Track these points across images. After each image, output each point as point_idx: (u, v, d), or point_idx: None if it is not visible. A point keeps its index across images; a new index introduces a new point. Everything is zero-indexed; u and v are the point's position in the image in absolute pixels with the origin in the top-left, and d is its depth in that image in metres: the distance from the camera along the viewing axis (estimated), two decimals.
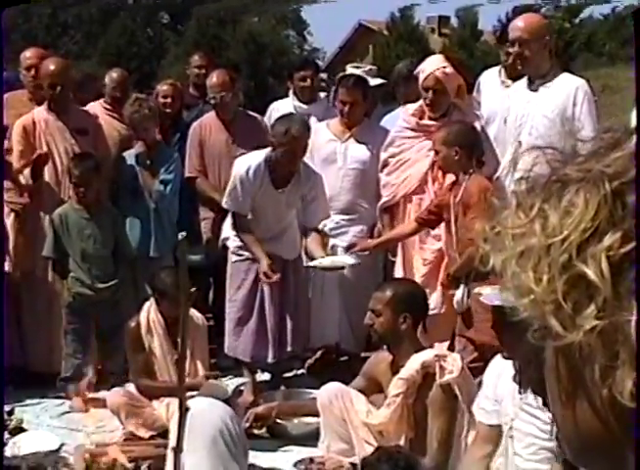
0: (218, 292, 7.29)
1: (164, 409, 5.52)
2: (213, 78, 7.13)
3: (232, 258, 6.55)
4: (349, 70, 7.59)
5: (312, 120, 7.05)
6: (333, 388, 5.07)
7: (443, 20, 42.61)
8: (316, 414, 5.14)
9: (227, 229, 6.68)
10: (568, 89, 5.94)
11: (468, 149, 5.64)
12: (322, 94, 7.87)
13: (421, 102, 6.36)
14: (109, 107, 7.32)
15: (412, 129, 6.42)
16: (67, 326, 6.26)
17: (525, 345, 0.94)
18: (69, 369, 6.25)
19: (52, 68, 6.59)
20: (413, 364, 4.74)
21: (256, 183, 6.31)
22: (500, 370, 4.15)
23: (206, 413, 4.16)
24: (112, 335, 6.18)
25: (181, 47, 40.21)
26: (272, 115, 7.30)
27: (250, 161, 6.38)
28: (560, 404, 0.95)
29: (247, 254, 6.44)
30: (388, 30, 39.99)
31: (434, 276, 6.14)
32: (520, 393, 3.91)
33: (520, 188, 0.99)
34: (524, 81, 6.19)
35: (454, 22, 41.35)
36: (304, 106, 7.39)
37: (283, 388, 6.40)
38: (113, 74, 7.57)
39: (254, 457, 5.08)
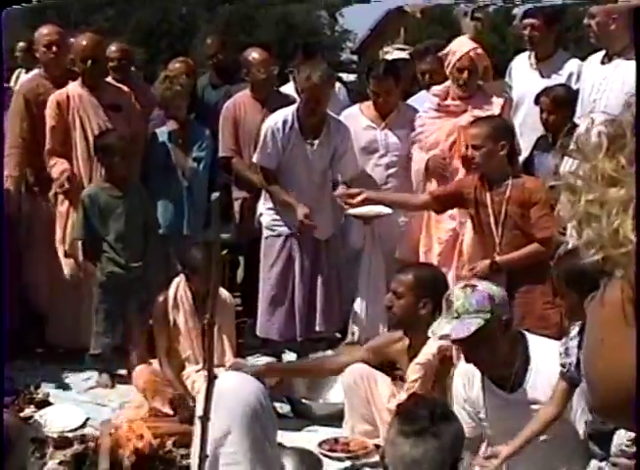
0: (249, 272, 7.29)
1: (190, 386, 5.56)
2: (251, 55, 7.08)
3: (265, 233, 6.55)
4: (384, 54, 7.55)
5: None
6: (358, 369, 5.07)
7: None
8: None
9: (261, 206, 6.69)
10: None
11: (513, 144, 5.51)
12: (352, 76, 7.88)
13: (447, 83, 6.34)
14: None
15: (435, 110, 6.39)
16: (98, 305, 6.24)
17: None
18: (98, 347, 6.24)
19: (84, 42, 6.60)
20: (430, 349, 4.76)
21: (286, 135, 6.33)
22: (466, 376, 4.19)
23: (240, 389, 4.16)
24: (141, 314, 6.17)
25: (212, 26, 40.20)
26: None
27: (279, 113, 6.42)
28: (606, 348, 0.95)
29: (280, 229, 6.45)
30: (421, 13, 39.85)
31: (448, 257, 6.12)
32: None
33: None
34: (598, 56, 6.12)
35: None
36: None
37: None
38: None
39: (279, 437, 5.09)
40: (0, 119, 6.35)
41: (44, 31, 6.77)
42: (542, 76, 6.63)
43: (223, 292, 5.73)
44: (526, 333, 4.21)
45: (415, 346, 4.87)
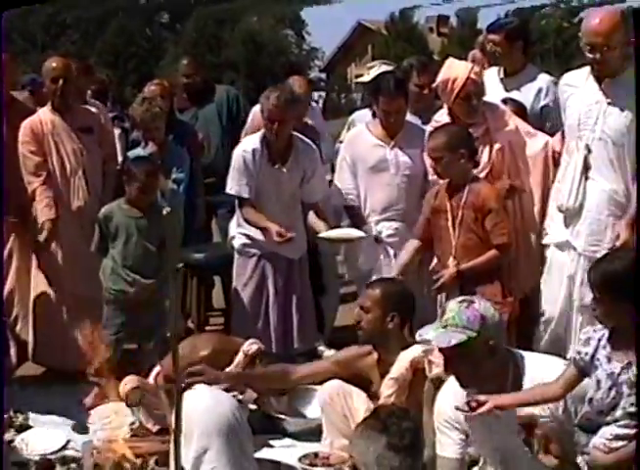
0: (229, 290, 7.36)
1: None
2: (295, 85, 7.12)
3: (237, 255, 6.62)
4: (369, 71, 7.51)
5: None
6: (334, 385, 5.12)
7: (442, 19, 42.74)
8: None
9: (233, 228, 6.75)
10: None
11: (470, 150, 5.56)
12: (317, 94, 7.97)
13: (446, 111, 6.09)
14: None
15: None
16: (106, 322, 6.25)
17: None
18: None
19: (54, 64, 6.65)
20: (402, 362, 4.82)
21: (256, 161, 6.35)
22: (454, 396, 4.24)
23: (215, 406, 4.21)
24: (150, 334, 6.18)
25: (180, 47, 40.27)
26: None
27: (246, 142, 6.49)
28: None
29: (253, 251, 6.52)
30: (387, 30, 40.09)
31: None
32: None
33: None
34: (590, 81, 5.63)
35: (453, 21, 41.45)
36: None
37: None
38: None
39: (260, 452, 5.14)
40: (0, 121, 6.39)
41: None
42: (507, 91, 6.64)
43: None
44: (518, 351, 4.27)
45: (385, 360, 4.94)
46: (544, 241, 5.87)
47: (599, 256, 5.16)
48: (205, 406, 4.10)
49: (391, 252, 6.32)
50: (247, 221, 6.48)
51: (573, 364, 3.94)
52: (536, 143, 6.04)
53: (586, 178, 5.57)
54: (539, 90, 6.58)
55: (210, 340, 5.77)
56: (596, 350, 3.88)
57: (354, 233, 6.25)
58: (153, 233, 6.30)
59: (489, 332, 4.05)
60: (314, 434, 5.33)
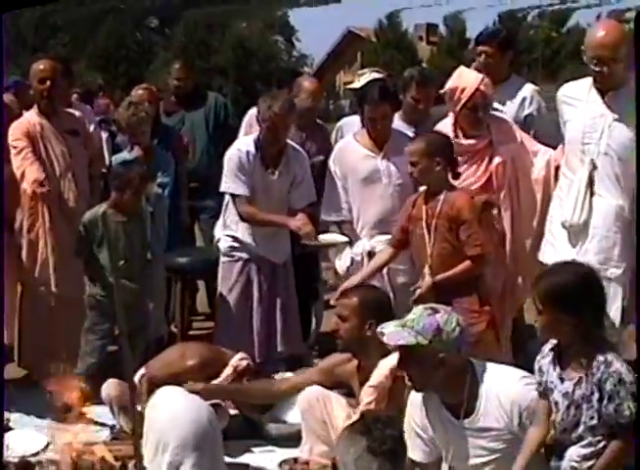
0: (213, 294, 7.39)
1: None
2: (306, 84, 7.15)
3: (223, 259, 6.63)
4: (359, 78, 7.38)
5: None
6: (314, 391, 5.14)
7: (431, 27, 42.85)
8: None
9: (218, 231, 6.76)
10: None
11: (448, 160, 5.52)
12: None
13: (450, 120, 6.02)
14: None
15: None
16: (89, 326, 6.29)
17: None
18: (83, 368, 6.24)
19: (42, 66, 6.66)
20: (381, 370, 4.84)
21: (248, 164, 6.38)
22: (421, 403, 4.29)
23: (191, 411, 4.22)
24: (133, 338, 6.15)
25: (169, 51, 40.29)
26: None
27: (240, 143, 6.51)
28: None
29: (238, 254, 6.54)
30: (377, 37, 40.16)
31: None
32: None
33: None
34: (592, 94, 5.50)
35: (442, 29, 41.56)
36: None
37: None
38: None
39: (239, 457, 5.16)
40: (0, 122, 6.40)
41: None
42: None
43: None
44: (475, 361, 4.29)
45: (365, 367, 4.96)
46: (546, 259, 5.63)
47: (609, 274, 5.18)
48: (183, 418, 4.11)
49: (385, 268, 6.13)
50: (244, 218, 6.46)
51: (541, 397, 3.96)
52: (539, 162, 5.99)
53: (592, 194, 5.46)
54: (523, 99, 6.57)
55: (199, 350, 5.79)
56: (548, 373, 3.90)
57: (339, 238, 6.30)
58: (138, 237, 6.34)
59: (442, 344, 4.07)
60: (294, 439, 5.33)
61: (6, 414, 5.80)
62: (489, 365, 4.24)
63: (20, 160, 6.54)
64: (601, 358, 3.71)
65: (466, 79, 5.86)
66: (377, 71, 7.53)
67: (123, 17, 45.73)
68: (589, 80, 5.53)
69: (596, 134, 5.42)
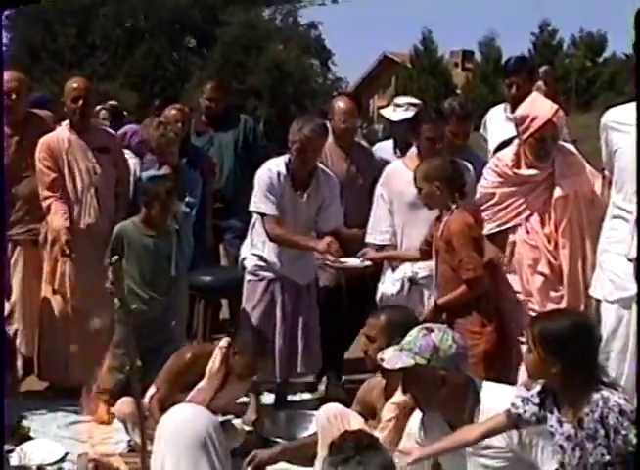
0: (236, 313, 7.45)
1: None
2: (341, 105, 7.08)
3: (248, 277, 6.66)
4: (396, 109, 7.34)
5: None
6: (331, 409, 5.19)
7: (467, 54, 42.89)
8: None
9: (245, 250, 6.80)
10: None
11: (449, 183, 5.61)
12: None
13: (512, 149, 5.76)
14: None
15: (503, 178, 5.77)
16: (118, 340, 6.34)
17: None
18: (112, 383, 6.31)
19: (75, 85, 6.81)
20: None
21: (279, 185, 6.42)
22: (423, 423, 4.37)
23: (188, 421, 4.29)
24: (156, 352, 6.15)
25: (205, 72, 40.59)
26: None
27: (271, 164, 6.51)
28: None
29: (263, 274, 6.57)
30: (412, 63, 40.22)
31: None
32: None
33: None
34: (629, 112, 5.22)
35: (478, 56, 41.57)
36: None
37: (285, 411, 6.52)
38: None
39: None
40: (0, 122, 6.55)
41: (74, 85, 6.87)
42: None
43: None
44: (477, 379, 4.36)
45: (391, 386, 4.99)
46: (607, 296, 5.26)
47: None
48: (181, 419, 4.19)
49: (426, 293, 6.13)
50: (271, 237, 6.49)
51: (508, 416, 4.01)
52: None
53: None
54: None
55: (192, 347, 5.99)
56: (543, 416, 3.94)
57: (359, 263, 6.30)
58: (166, 252, 6.44)
59: (440, 362, 4.15)
60: (309, 458, 5.36)
61: (27, 423, 5.95)
62: (490, 384, 4.31)
63: (46, 183, 6.70)
64: (597, 396, 3.75)
65: (540, 108, 5.59)
66: (412, 104, 7.32)
67: (161, 36, 46.12)
68: (634, 105, 5.12)
69: None
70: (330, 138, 6.89)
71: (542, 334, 3.84)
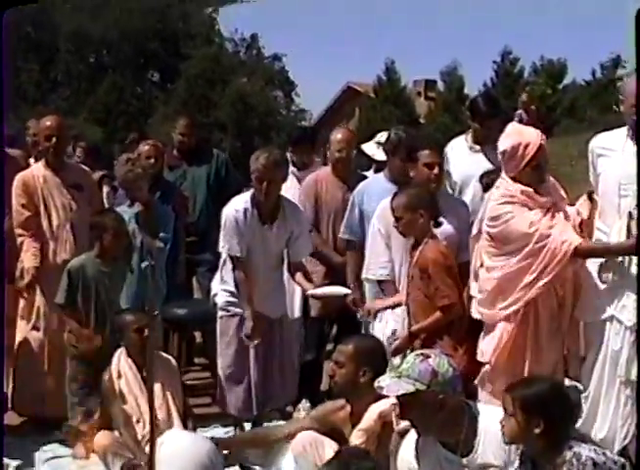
0: (210, 345, 7.53)
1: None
2: (338, 135, 7.29)
3: (220, 313, 6.72)
4: (379, 147, 7.47)
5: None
6: (306, 436, 5.31)
7: (429, 83, 43.07)
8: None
9: (215, 285, 6.91)
10: None
11: (430, 211, 5.77)
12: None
13: (505, 183, 5.54)
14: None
15: (522, 204, 5.49)
16: (73, 375, 6.45)
17: None
18: (74, 417, 6.38)
19: (48, 123, 6.92)
20: (371, 415, 5.03)
21: (247, 221, 6.48)
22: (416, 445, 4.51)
23: (191, 447, 4.39)
24: None
25: (170, 106, 40.60)
26: None
27: (236, 201, 6.60)
28: None
29: (235, 309, 6.61)
30: (375, 93, 40.39)
31: None
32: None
33: None
34: (629, 145, 5.36)
35: (440, 85, 41.81)
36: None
37: None
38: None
39: None
40: (1, 121, 6.62)
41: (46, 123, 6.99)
42: (487, 158, 6.81)
43: (165, 356, 6.18)
44: (475, 403, 4.50)
45: (357, 412, 5.13)
46: (587, 319, 5.49)
47: None
48: (183, 449, 4.28)
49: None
50: (236, 282, 6.57)
51: None
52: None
53: None
54: None
55: None
56: None
57: (341, 290, 6.47)
58: (118, 289, 6.55)
59: (439, 386, 4.30)
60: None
61: (5, 460, 5.96)
62: (487, 407, 4.46)
63: (20, 222, 6.82)
64: (570, 454, 3.91)
65: (528, 136, 5.49)
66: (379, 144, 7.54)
67: (124, 70, 46.08)
68: (623, 131, 5.44)
69: (633, 186, 5.08)
70: (327, 168, 7.25)
71: (524, 397, 4.02)
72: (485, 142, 6.87)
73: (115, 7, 46.48)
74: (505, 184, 5.52)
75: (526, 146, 5.40)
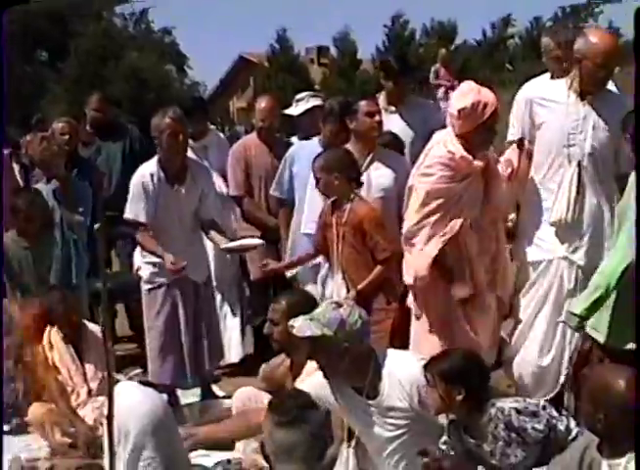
0: (134, 317, 7.63)
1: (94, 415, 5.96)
2: (262, 104, 7.54)
3: (145, 286, 6.80)
4: (297, 104, 7.70)
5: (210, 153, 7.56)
6: (245, 392, 5.51)
7: (322, 50, 43.20)
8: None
9: (137, 258, 7.01)
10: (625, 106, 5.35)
11: (346, 173, 5.99)
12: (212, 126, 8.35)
13: (449, 138, 5.54)
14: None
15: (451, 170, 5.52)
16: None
17: None
18: (8, 395, 6.35)
19: None
20: (310, 368, 5.21)
21: (155, 185, 6.55)
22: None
23: (151, 407, 4.50)
24: None
25: (61, 85, 40.01)
26: None
27: (143, 168, 6.69)
28: None
29: (160, 280, 6.69)
30: (269, 62, 40.37)
31: None
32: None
33: None
34: (572, 97, 5.57)
35: (333, 51, 41.95)
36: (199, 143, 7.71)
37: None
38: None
39: None
40: (1, 119, 6.62)
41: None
42: (403, 119, 7.12)
43: (91, 325, 6.35)
44: (382, 350, 4.74)
45: (297, 365, 5.32)
46: (533, 258, 5.74)
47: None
48: (140, 406, 4.41)
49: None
50: (142, 247, 6.69)
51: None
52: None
53: (578, 193, 5.55)
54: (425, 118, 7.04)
55: None
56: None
57: (253, 241, 6.64)
58: (44, 263, 6.62)
59: (345, 335, 4.49)
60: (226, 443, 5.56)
61: None
62: (391, 352, 4.71)
63: None
64: (493, 410, 4.21)
65: (486, 95, 5.46)
66: (314, 97, 7.83)
67: (11, 51, 45.16)
68: (562, 82, 5.66)
69: (581, 136, 5.53)
70: (253, 134, 7.51)
71: (442, 371, 4.29)
72: (400, 102, 7.09)
73: None
74: (449, 144, 5.51)
75: (485, 105, 5.40)
